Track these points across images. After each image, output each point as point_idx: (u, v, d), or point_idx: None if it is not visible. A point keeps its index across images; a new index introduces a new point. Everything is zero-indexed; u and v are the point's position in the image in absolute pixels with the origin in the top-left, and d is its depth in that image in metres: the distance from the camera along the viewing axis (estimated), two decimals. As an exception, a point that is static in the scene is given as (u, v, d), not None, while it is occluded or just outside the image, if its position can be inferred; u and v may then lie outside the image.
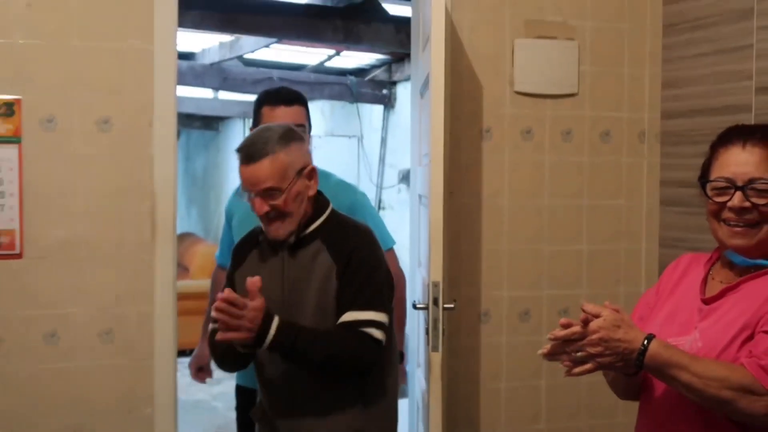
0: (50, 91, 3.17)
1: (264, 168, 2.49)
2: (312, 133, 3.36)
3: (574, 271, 3.80)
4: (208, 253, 6.99)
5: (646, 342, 1.85)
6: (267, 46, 7.31)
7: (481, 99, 3.66)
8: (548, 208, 3.76)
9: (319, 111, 9.37)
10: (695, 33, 3.63)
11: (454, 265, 3.57)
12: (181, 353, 3.56)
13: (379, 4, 6.26)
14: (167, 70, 3.29)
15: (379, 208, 8.46)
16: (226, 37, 7.66)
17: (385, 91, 8.57)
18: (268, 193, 2.49)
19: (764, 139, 1.98)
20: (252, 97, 3.50)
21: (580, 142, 3.78)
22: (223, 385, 3.79)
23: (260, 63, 8.57)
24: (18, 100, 3.13)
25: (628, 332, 1.86)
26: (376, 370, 2.61)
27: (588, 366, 1.88)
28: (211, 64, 8.16)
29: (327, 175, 3.21)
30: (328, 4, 6.15)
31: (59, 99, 3.19)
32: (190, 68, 8.06)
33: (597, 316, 1.87)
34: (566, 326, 1.89)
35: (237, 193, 3.52)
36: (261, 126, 2.75)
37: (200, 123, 12.42)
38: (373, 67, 8.68)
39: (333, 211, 2.67)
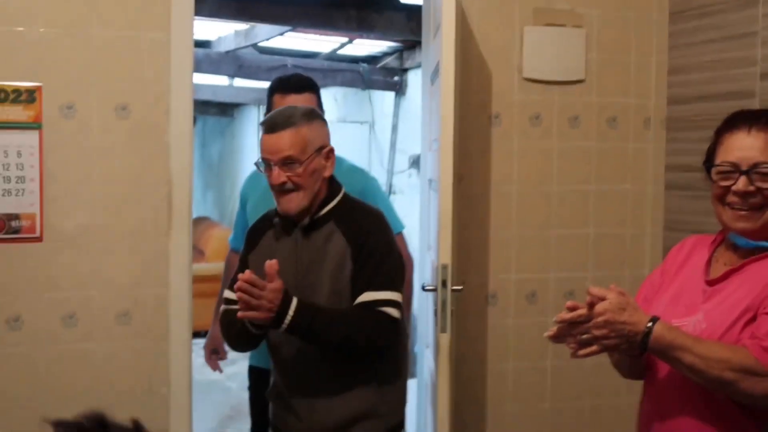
0: (70, 78, 3.19)
1: (286, 137, 2.53)
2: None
3: (580, 255, 3.82)
4: (223, 236, 7.04)
5: (650, 324, 1.87)
6: (281, 34, 7.28)
7: (490, 86, 3.68)
8: (556, 193, 3.78)
9: (332, 98, 9.37)
10: (701, 20, 3.64)
11: (463, 248, 3.58)
12: (196, 335, 3.56)
13: (392, -7, 6.28)
14: (184, 59, 3.30)
15: (390, 192, 8.46)
16: (241, 26, 7.65)
17: (396, 78, 8.56)
18: (286, 163, 2.53)
19: None
20: (266, 84, 3.53)
21: (588, 128, 3.80)
22: (237, 365, 3.84)
23: (275, 51, 8.54)
24: (39, 87, 3.15)
25: (632, 315, 1.88)
26: (389, 350, 2.64)
27: (593, 348, 1.91)
28: (227, 52, 8.15)
29: (339, 160, 3.24)
30: (341, -7, 6.17)
31: (79, 86, 3.20)
32: (206, 56, 8.05)
33: (602, 299, 1.89)
34: (572, 309, 1.91)
35: (252, 176, 3.60)
36: (287, 105, 2.80)
37: (216, 110, 12.41)
38: (385, 54, 8.65)
39: (345, 195, 2.70)
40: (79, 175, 3.23)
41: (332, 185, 2.68)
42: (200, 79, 8.71)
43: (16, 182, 3.15)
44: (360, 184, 3.20)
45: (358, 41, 7.93)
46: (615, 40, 3.82)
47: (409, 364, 2.84)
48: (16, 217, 3.16)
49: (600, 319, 1.87)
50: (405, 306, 3.30)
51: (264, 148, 2.58)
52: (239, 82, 9.95)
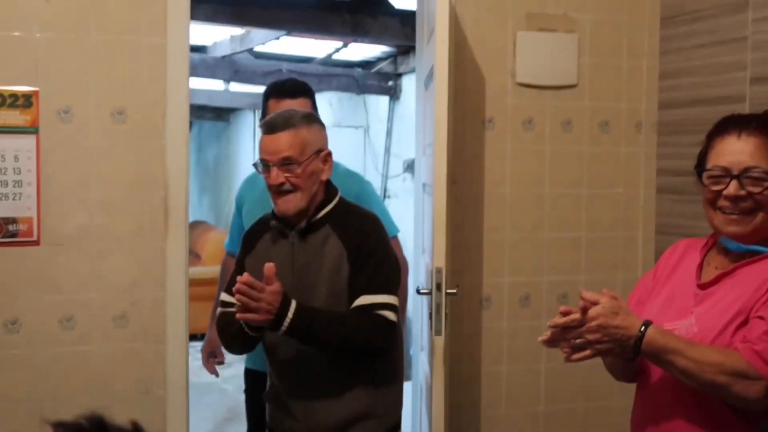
0: (67, 83, 3.20)
1: (285, 138, 2.56)
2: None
3: (573, 258, 3.84)
4: (220, 240, 7.04)
5: (643, 328, 1.89)
6: (277, 38, 7.29)
7: (483, 90, 3.69)
8: (548, 196, 3.79)
9: (327, 102, 9.39)
10: (692, 25, 3.65)
11: (457, 251, 3.59)
12: (193, 337, 3.58)
13: (386, -2, 6.31)
14: (180, 63, 3.31)
15: (385, 196, 8.47)
16: (237, 31, 7.66)
17: (390, 83, 8.58)
18: (285, 164, 2.55)
19: (759, 128, 2.00)
20: (262, 89, 3.55)
21: (580, 132, 3.82)
22: (234, 368, 3.86)
23: (270, 55, 8.55)
24: (36, 92, 3.16)
25: (625, 319, 1.90)
26: (386, 352, 2.65)
27: (587, 352, 1.93)
28: (223, 57, 8.15)
29: (335, 165, 3.25)
30: (336, -2, 6.20)
31: (76, 91, 3.21)
32: (202, 61, 8.06)
33: (595, 304, 1.90)
34: (566, 314, 1.92)
35: (248, 180, 3.61)
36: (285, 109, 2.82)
37: (212, 114, 12.40)
38: (379, 59, 8.66)
39: (342, 199, 2.72)
40: (76, 178, 3.23)
41: (329, 189, 2.70)
42: (196, 83, 8.72)
43: (14, 186, 3.16)
44: (355, 188, 3.21)
45: (352, 46, 7.94)
46: (607, 45, 3.84)
47: (405, 366, 2.86)
48: (14, 220, 3.16)
49: (593, 323, 1.89)
50: (400, 309, 3.33)
51: (263, 148, 2.61)
52: (235, 87, 9.95)
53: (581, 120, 3.83)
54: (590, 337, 1.90)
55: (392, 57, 8.47)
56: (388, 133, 8.64)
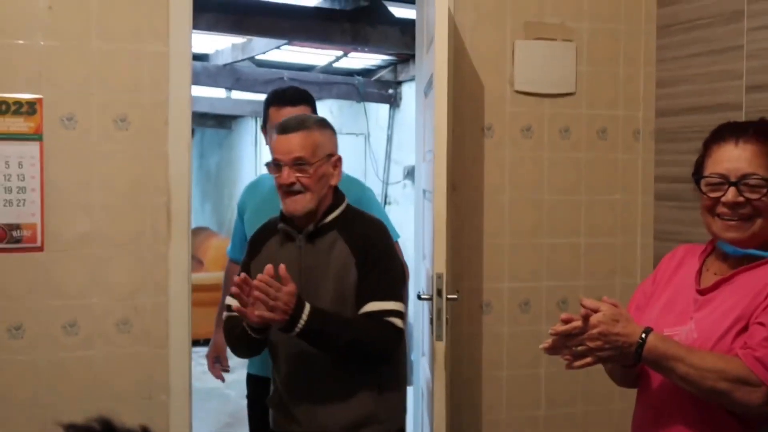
0: (70, 90, 3.22)
1: (298, 138, 2.59)
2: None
3: (572, 263, 3.85)
4: (221, 246, 7.08)
5: (643, 335, 1.88)
6: (278, 47, 7.32)
7: (482, 98, 3.71)
8: (547, 203, 3.81)
9: (328, 110, 9.41)
10: (688, 34, 3.67)
11: (457, 257, 3.61)
12: (195, 343, 3.59)
13: (385, 8, 6.28)
14: (182, 71, 3.33)
15: (385, 203, 8.48)
16: (238, 39, 7.68)
17: (390, 91, 8.60)
18: (297, 164, 2.58)
19: (756, 135, 2.00)
20: (263, 97, 3.58)
21: (578, 140, 3.83)
22: (236, 373, 3.87)
23: (271, 64, 8.57)
24: (39, 99, 3.18)
25: (626, 326, 1.89)
26: (390, 357, 2.67)
27: (588, 359, 1.92)
28: (224, 65, 8.18)
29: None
30: (337, 7, 6.18)
31: (79, 98, 3.23)
32: (204, 69, 8.08)
33: (596, 311, 1.90)
34: (567, 321, 1.92)
35: (249, 187, 3.64)
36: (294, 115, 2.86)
37: (214, 122, 12.43)
38: (380, 67, 8.69)
39: (349, 205, 2.74)
40: (79, 185, 3.25)
41: (337, 194, 2.72)
42: (198, 91, 8.75)
43: (18, 192, 3.17)
44: (356, 195, 3.21)
45: (353, 55, 7.97)
46: (604, 53, 3.86)
47: (407, 371, 2.87)
48: (18, 226, 3.18)
49: (594, 331, 1.89)
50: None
51: (276, 148, 2.63)
52: (236, 95, 9.98)
53: (579, 127, 3.84)
54: (591, 344, 1.90)
55: (392, 65, 8.50)
56: (389, 140, 8.66)
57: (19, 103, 3.17)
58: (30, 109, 3.18)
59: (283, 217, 2.71)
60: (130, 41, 3.29)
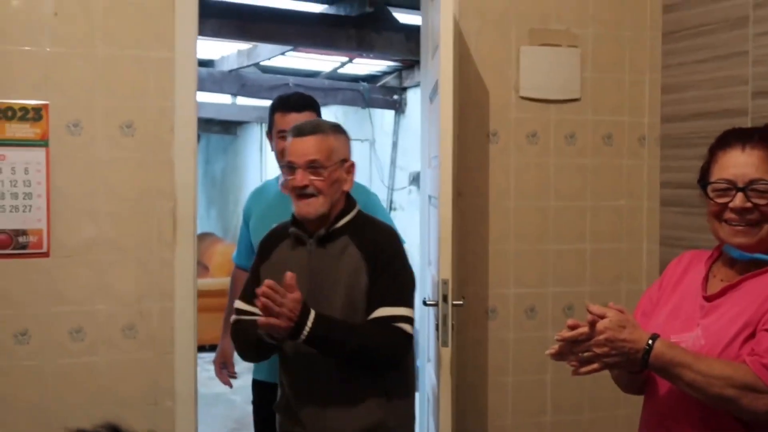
0: (76, 96, 3.23)
1: (313, 142, 2.61)
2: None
3: (577, 270, 3.84)
4: (227, 252, 7.09)
5: (650, 342, 1.89)
6: (283, 53, 7.33)
7: (487, 104, 3.71)
8: (553, 209, 3.81)
9: (333, 116, 9.41)
10: (694, 40, 3.67)
11: (463, 263, 3.62)
12: (201, 348, 3.59)
13: (390, 14, 6.28)
14: (188, 77, 3.34)
15: (391, 208, 8.48)
16: (243, 45, 7.69)
17: (395, 97, 8.61)
18: (311, 167, 2.59)
19: (762, 141, 2.01)
20: (268, 103, 3.58)
21: (583, 146, 3.83)
22: (242, 379, 3.87)
23: (276, 70, 8.59)
24: (45, 105, 3.19)
25: (633, 332, 1.89)
26: (399, 364, 2.68)
27: (594, 365, 1.92)
28: (230, 71, 8.19)
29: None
30: (342, 13, 6.18)
31: (85, 104, 3.24)
32: (209, 75, 8.10)
33: (603, 317, 1.90)
34: (573, 327, 1.92)
35: (255, 193, 3.64)
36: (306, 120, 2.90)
37: (219, 127, 12.46)
38: (385, 73, 8.70)
39: (360, 211, 2.75)
40: (85, 191, 3.26)
41: (349, 200, 2.74)
42: (204, 97, 8.76)
43: (24, 198, 3.18)
44: (361, 200, 3.18)
45: (358, 61, 7.97)
46: (609, 59, 3.86)
47: (415, 378, 2.87)
48: (24, 232, 3.19)
49: (601, 337, 1.88)
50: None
51: (291, 151, 2.64)
52: (242, 101, 9.99)
53: (585, 133, 3.84)
54: (598, 350, 1.90)
55: (397, 71, 8.51)
56: (394, 146, 8.66)
57: (25, 109, 3.18)
58: (36, 115, 3.19)
59: (295, 221, 2.72)
60: (135, 47, 3.30)
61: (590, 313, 1.92)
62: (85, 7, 3.24)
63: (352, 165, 2.74)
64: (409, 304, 2.65)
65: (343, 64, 8.24)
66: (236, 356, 3.71)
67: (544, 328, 3.79)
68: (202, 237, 10.17)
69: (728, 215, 2.01)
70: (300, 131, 2.66)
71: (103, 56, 3.27)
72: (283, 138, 3.31)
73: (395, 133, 8.68)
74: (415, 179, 7.89)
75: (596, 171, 3.87)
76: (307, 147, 2.61)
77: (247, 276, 2.89)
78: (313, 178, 2.60)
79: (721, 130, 2.12)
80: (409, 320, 2.61)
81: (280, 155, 3.34)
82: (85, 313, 3.28)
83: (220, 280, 6.39)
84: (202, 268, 9.03)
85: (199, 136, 3.50)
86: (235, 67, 8.09)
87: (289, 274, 2.45)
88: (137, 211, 3.32)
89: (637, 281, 3.90)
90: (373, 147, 9.04)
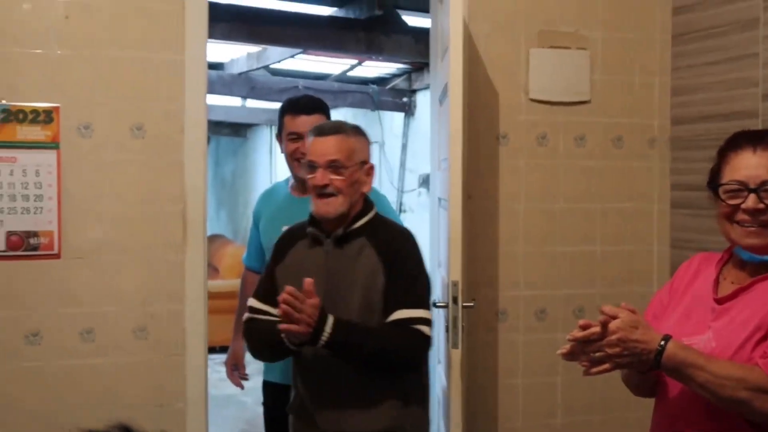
0: (87, 99, 3.24)
1: (335, 141, 2.62)
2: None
3: (587, 272, 3.84)
4: (237, 254, 7.11)
5: (663, 343, 1.88)
6: (292, 56, 7.33)
7: (497, 106, 3.71)
8: (562, 211, 3.81)
9: (342, 119, 9.44)
10: (704, 42, 3.67)
11: (472, 265, 3.61)
12: (211, 350, 3.60)
13: (399, 16, 6.29)
14: (198, 80, 3.35)
15: (400, 211, 8.49)
16: (253, 48, 7.71)
17: (405, 99, 8.62)
18: (332, 167, 2.60)
19: None
20: (278, 105, 3.59)
21: (593, 148, 3.83)
22: (253, 380, 3.87)
23: (286, 72, 8.61)
24: (56, 108, 3.20)
25: (645, 333, 1.89)
26: (419, 367, 2.69)
27: (606, 366, 1.92)
28: (240, 74, 8.21)
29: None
30: (351, 16, 6.19)
31: (95, 107, 3.25)
32: (219, 78, 8.12)
33: (615, 318, 1.89)
34: (585, 327, 1.92)
35: (264, 195, 3.65)
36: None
37: (229, 130, 12.50)
38: (394, 76, 8.71)
39: (377, 213, 2.75)
40: (95, 193, 3.27)
41: (366, 202, 2.74)
42: (213, 100, 8.78)
43: (35, 200, 3.20)
44: (371, 202, 3.25)
45: (367, 63, 7.98)
46: (619, 61, 3.86)
47: (429, 382, 2.88)
48: (35, 234, 3.20)
49: (613, 337, 1.88)
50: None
51: (311, 150, 2.65)
52: (251, 103, 10.01)
53: (594, 135, 3.84)
54: (610, 350, 1.89)
55: (407, 74, 8.51)
56: (403, 148, 8.67)
57: (36, 111, 3.19)
58: (47, 117, 3.20)
59: (312, 221, 2.72)
60: (146, 50, 3.31)
61: (603, 313, 1.91)
62: (95, 11, 3.25)
63: (372, 167, 2.75)
64: (427, 306, 2.66)
65: (352, 67, 8.25)
66: (248, 358, 3.74)
67: (555, 330, 3.78)
68: (212, 239, 10.18)
69: (740, 216, 2.00)
70: (321, 131, 2.67)
71: (113, 59, 3.28)
72: (293, 140, 3.32)
73: (405, 135, 8.69)
74: (425, 181, 7.89)
75: (606, 173, 3.87)
76: (328, 146, 2.62)
77: (261, 275, 2.89)
78: (333, 177, 2.61)
79: (732, 132, 2.12)
80: (428, 322, 2.61)
81: (291, 157, 3.35)
82: (95, 314, 3.29)
83: (230, 282, 6.41)
84: (212, 270, 9.04)
85: (208, 139, 3.51)
86: (244, 69, 8.11)
87: (307, 280, 2.45)
88: (147, 213, 3.33)
89: (648, 283, 3.89)
90: (383, 149, 9.05)
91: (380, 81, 8.84)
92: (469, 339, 3.53)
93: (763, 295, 1.97)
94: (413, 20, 6.38)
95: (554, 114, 3.79)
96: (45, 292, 3.23)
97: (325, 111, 3.39)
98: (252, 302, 2.77)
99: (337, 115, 8.14)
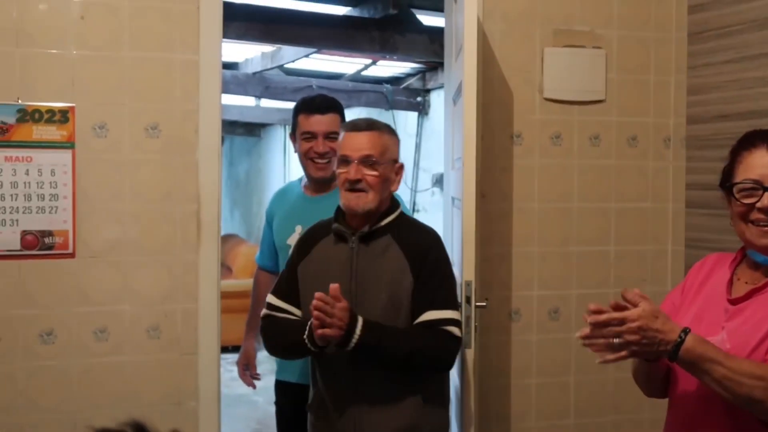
0: (102, 99, 3.24)
1: (370, 137, 2.64)
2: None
3: (601, 271, 3.83)
4: (250, 253, 7.12)
5: (683, 335, 1.86)
6: (307, 56, 7.36)
7: (511, 105, 3.71)
8: (577, 211, 3.80)
9: (356, 118, 9.46)
10: (720, 41, 3.65)
11: (486, 265, 3.61)
12: (224, 349, 3.60)
13: (414, 16, 6.29)
14: (212, 79, 3.35)
15: (414, 210, 8.50)
16: (267, 48, 7.73)
17: (419, 99, 8.63)
18: (365, 162, 2.61)
19: None
20: (292, 105, 3.59)
21: (608, 147, 3.82)
22: (264, 380, 3.88)
23: (300, 72, 8.62)
24: (72, 108, 3.21)
25: (665, 323, 1.87)
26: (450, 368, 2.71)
27: (622, 353, 1.90)
28: (254, 74, 8.23)
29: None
30: (365, 15, 6.19)
31: (110, 106, 3.25)
32: (233, 77, 8.15)
33: (635, 305, 1.87)
34: (596, 311, 1.89)
35: (278, 194, 3.65)
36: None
37: (243, 130, 12.53)
38: (408, 75, 8.72)
39: (402, 212, 2.76)
40: (110, 192, 3.28)
41: (392, 201, 2.75)
42: (228, 99, 8.81)
43: (50, 200, 3.21)
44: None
45: (381, 63, 7.99)
46: (634, 60, 3.85)
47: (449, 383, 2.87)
48: (50, 233, 3.21)
49: (634, 324, 1.85)
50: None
51: (345, 145, 2.66)
52: (266, 103, 10.04)
53: (609, 135, 3.84)
54: (630, 338, 1.87)
55: (420, 73, 8.52)
56: (417, 147, 8.68)
57: (51, 111, 3.20)
58: (62, 117, 3.21)
59: (337, 218, 2.72)
60: (161, 50, 3.32)
61: (624, 299, 1.90)
62: (111, 11, 3.26)
63: (402, 167, 2.76)
64: (456, 306, 2.68)
65: (366, 66, 8.26)
66: (259, 357, 3.75)
67: (568, 330, 3.78)
68: (226, 238, 10.21)
69: (755, 216, 1.99)
70: (355, 126, 2.69)
71: (128, 59, 3.29)
72: (307, 139, 3.33)
73: (418, 135, 8.70)
74: (439, 181, 7.89)
75: (620, 173, 3.86)
76: (362, 142, 2.64)
77: (282, 273, 2.90)
78: (366, 173, 2.62)
79: (748, 131, 2.11)
80: (458, 323, 2.63)
81: (304, 156, 3.35)
82: (109, 313, 3.30)
83: (244, 282, 6.40)
84: (226, 270, 9.06)
85: (223, 138, 3.51)
86: (259, 69, 8.13)
87: (333, 286, 2.46)
88: (162, 213, 3.34)
89: (662, 283, 3.88)
90: (397, 149, 9.04)
91: (394, 80, 8.85)
92: (482, 339, 3.53)
93: (777, 295, 1.95)
94: (428, 19, 6.38)
95: (569, 113, 3.79)
96: (59, 291, 3.24)
97: (339, 110, 3.39)
98: (271, 299, 2.78)
99: (351, 114, 8.14)
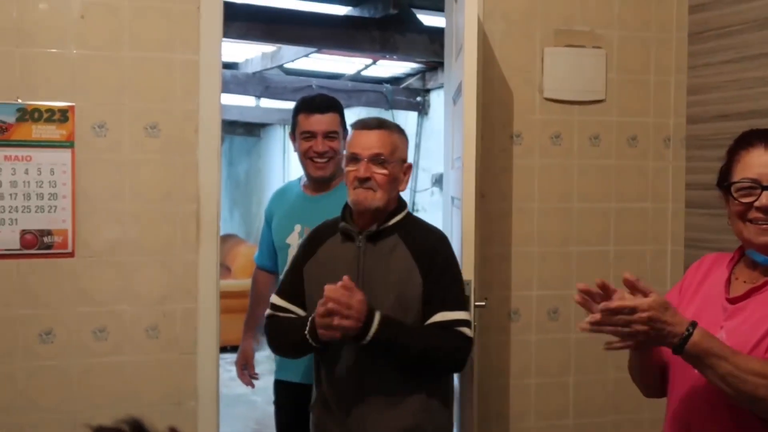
0: (102, 98, 3.24)
1: (380, 136, 2.63)
2: (347, 138, 3.45)
3: (601, 272, 3.80)
4: (250, 253, 7.12)
5: (690, 329, 1.84)
6: (307, 55, 7.36)
7: (511, 105, 3.71)
8: (576, 211, 3.80)
9: (356, 118, 9.44)
10: (720, 41, 3.65)
11: (485, 264, 3.61)
12: (223, 349, 3.60)
13: (414, 15, 6.29)
14: (212, 79, 3.35)
15: (413, 210, 8.50)
16: (268, 48, 7.73)
17: (419, 99, 8.63)
18: (374, 160, 2.61)
19: None
20: (292, 105, 3.59)
21: (608, 147, 3.82)
22: (263, 379, 3.88)
23: (300, 72, 8.62)
24: (71, 107, 3.21)
25: (674, 316, 1.85)
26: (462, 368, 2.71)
27: (629, 342, 1.89)
28: (254, 73, 8.23)
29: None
30: (365, 15, 6.20)
31: (110, 106, 3.25)
32: (233, 77, 8.15)
33: (645, 295, 1.86)
34: (601, 286, 1.91)
35: (277, 194, 3.65)
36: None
37: (243, 129, 12.53)
38: (408, 75, 8.72)
39: (409, 212, 2.76)
40: (110, 192, 3.27)
41: (400, 201, 2.74)
42: (228, 99, 8.81)
43: (49, 199, 3.21)
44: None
45: (381, 63, 7.99)
46: (634, 60, 3.85)
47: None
48: (49, 233, 3.21)
49: (644, 314, 1.83)
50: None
51: (355, 143, 2.66)
52: (265, 103, 10.04)
53: (609, 135, 3.84)
54: (638, 327, 1.85)
55: (420, 73, 8.52)
56: (417, 147, 8.67)
57: (51, 110, 3.20)
58: (62, 116, 3.21)
59: (344, 217, 2.72)
60: (161, 50, 3.32)
61: (635, 288, 1.88)
62: (111, 10, 3.26)
63: (410, 166, 2.76)
64: (466, 307, 2.68)
65: (366, 66, 8.26)
66: (257, 357, 3.75)
67: (567, 330, 3.78)
68: (225, 238, 10.20)
69: (753, 215, 1.99)
70: (365, 125, 2.68)
71: (128, 58, 3.29)
72: (307, 139, 3.33)
73: (418, 134, 8.70)
74: (438, 181, 7.89)
75: (620, 173, 3.86)
76: (372, 140, 2.63)
77: (285, 273, 2.89)
78: (375, 171, 2.61)
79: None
80: (469, 324, 2.63)
81: (304, 156, 3.35)
82: (108, 313, 3.29)
83: (242, 282, 6.40)
84: (224, 270, 9.06)
85: (222, 138, 3.51)
86: (259, 69, 8.13)
87: (345, 277, 2.45)
88: (161, 213, 3.33)
89: (662, 284, 3.87)
90: (397, 149, 9.04)
91: (394, 80, 8.85)
92: (482, 339, 3.53)
93: (776, 294, 1.95)
94: (428, 19, 6.38)
95: (569, 113, 3.79)
96: (58, 290, 3.24)
97: (339, 110, 3.40)
98: (274, 299, 2.78)
99: (351, 114, 8.14)
